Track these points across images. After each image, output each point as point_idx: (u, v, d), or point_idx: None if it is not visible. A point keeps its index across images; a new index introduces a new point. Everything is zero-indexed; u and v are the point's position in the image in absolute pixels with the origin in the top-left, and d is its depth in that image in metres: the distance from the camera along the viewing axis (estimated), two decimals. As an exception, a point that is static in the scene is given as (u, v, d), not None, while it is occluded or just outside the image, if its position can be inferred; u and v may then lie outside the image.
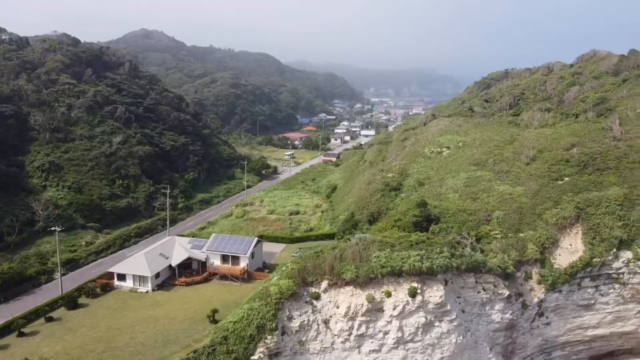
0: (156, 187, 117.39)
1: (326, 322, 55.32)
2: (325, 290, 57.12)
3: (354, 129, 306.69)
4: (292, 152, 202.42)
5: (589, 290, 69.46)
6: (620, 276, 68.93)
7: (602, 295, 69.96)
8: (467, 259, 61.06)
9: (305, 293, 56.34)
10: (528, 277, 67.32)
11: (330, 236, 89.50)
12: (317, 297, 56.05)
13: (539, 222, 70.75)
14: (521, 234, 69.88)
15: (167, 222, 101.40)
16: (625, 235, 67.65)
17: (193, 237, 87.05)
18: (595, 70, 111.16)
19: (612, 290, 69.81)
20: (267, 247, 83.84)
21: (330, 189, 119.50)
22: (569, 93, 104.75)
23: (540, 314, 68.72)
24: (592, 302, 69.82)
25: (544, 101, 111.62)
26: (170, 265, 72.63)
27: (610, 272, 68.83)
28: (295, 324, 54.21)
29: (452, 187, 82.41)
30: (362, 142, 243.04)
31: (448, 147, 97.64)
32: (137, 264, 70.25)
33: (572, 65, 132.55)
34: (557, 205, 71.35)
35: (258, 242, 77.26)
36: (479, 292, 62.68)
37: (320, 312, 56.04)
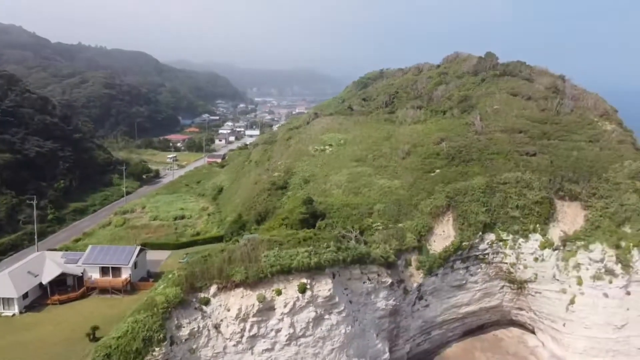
0: (20, 199, 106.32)
1: (217, 326, 54.37)
2: (215, 295, 56.06)
3: (238, 129, 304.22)
4: (174, 155, 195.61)
5: (461, 271, 75.99)
6: (486, 256, 76.26)
7: (471, 275, 76.91)
8: (353, 252, 63.70)
9: (194, 299, 54.83)
10: (408, 264, 71.88)
11: (218, 239, 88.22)
12: (207, 302, 54.86)
13: (415, 212, 75.70)
14: (400, 224, 74.25)
15: (35, 237, 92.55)
16: (488, 219, 74.91)
17: (67, 250, 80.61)
18: (458, 70, 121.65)
19: (479, 270, 77.04)
20: (152, 255, 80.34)
21: (217, 190, 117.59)
22: (437, 92, 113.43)
23: (420, 298, 73.82)
24: (464, 282, 76.48)
25: (415, 99, 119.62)
26: (40, 284, 66.54)
27: (478, 253, 75.85)
28: (184, 332, 52.57)
29: (336, 184, 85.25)
30: (247, 142, 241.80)
31: (331, 145, 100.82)
32: (1, 284, 63.40)
33: (438, 66, 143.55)
34: (430, 196, 76.87)
35: (141, 250, 73.74)
36: (364, 283, 65.71)
37: (210, 317, 54.92)
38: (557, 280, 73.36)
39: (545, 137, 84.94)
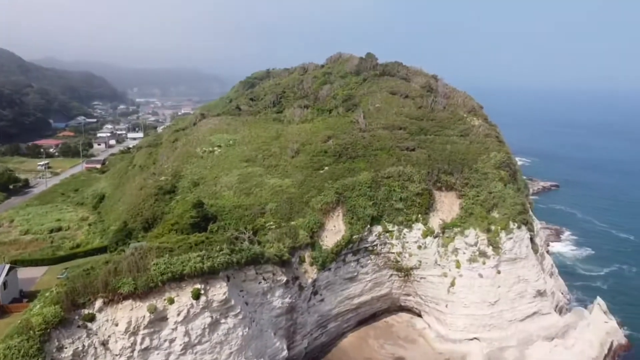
0: None
1: (105, 343, 51.10)
2: (100, 310, 52.57)
3: (119, 132, 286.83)
4: (47, 162, 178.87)
5: (352, 264, 78.98)
6: (375, 248, 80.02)
7: (362, 266, 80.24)
8: (247, 253, 63.33)
9: (76, 317, 50.94)
10: (302, 260, 73.18)
11: (101, 250, 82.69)
12: (92, 318, 51.29)
13: (307, 210, 77.18)
14: (293, 222, 75.28)
15: None
16: (375, 212, 78.65)
17: None
18: (341, 70, 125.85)
19: (369, 261, 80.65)
20: (24, 273, 73.17)
21: (97, 198, 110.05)
22: (322, 91, 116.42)
23: (315, 293, 75.54)
24: (355, 274, 79.59)
25: (302, 98, 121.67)
26: None
27: (367, 245, 79.32)
28: (67, 353, 48.69)
29: (226, 185, 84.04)
30: (130, 146, 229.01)
31: (219, 146, 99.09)
32: None
33: (323, 66, 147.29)
34: (320, 193, 78.79)
35: (11, 269, 66.77)
36: (259, 283, 65.71)
37: (97, 334, 51.45)
38: (439, 265, 79.25)
39: (422, 133, 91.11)
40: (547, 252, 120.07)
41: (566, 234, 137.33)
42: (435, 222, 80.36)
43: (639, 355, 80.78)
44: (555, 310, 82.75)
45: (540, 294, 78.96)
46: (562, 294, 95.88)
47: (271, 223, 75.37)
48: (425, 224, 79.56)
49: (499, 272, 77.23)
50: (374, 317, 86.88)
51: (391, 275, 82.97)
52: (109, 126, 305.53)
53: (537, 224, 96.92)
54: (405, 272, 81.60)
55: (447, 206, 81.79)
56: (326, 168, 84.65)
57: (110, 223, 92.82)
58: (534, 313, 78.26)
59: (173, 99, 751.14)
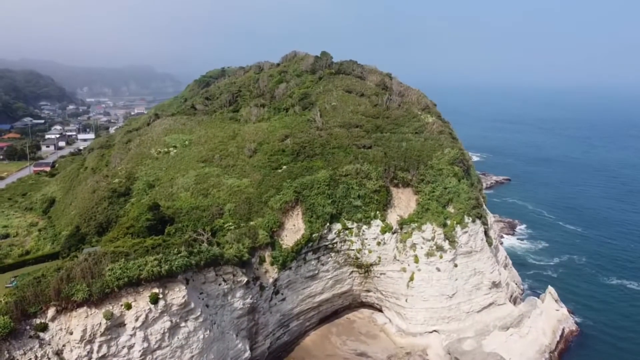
0: None
1: (59, 353, 49.26)
2: (53, 318, 50.65)
3: (69, 133, 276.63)
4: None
5: (313, 262, 79.18)
6: (335, 245, 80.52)
7: (323, 264, 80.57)
8: (206, 254, 62.49)
9: (27, 327, 48.89)
10: (262, 260, 72.83)
11: (53, 256, 79.71)
12: (44, 328, 49.36)
13: (266, 209, 76.83)
14: (252, 222, 74.80)
15: None
16: (334, 210, 79.10)
17: None
18: (297, 69, 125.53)
19: (330, 259, 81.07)
20: (-30, 283, 69.65)
21: (47, 203, 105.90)
22: (279, 90, 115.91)
23: (276, 292, 75.32)
24: (316, 272, 79.85)
25: (258, 97, 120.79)
26: None
27: (327, 243, 79.71)
28: (19, 365, 46.70)
29: (183, 186, 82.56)
30: (81, 147, 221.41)
31: (175, 147, 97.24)
32: None
33: (278, 65, 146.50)
34: (279, 192, 78.60)
35: (-45, 279, 63.49)
36: (220, 284, 65.01)
37: (50, 344, 49.53)
38: (398, 260, 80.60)
39: (378, 131, 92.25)
40: (501, 243, 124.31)
41: (519, 226, 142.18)
42: (393, 218, 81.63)
43: (587, 340, 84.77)
44: (510, 301, 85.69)
45: (496, 285, 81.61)
46: (516, 284, 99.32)
47: (230, 224, 74.60)
48: (383, 221, 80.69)
49: (455, 266, 79.27)
50: (335, 314, 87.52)
51: (352, 272, 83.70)
52: (58, 127, 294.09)
53: (491, 217, 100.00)
54: (366, 269, 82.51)
55: (404, 202, 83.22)
56: (284, 167, 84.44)
57: (62, 228, 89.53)
58: (490, 304, 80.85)
59: (125, 98, 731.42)
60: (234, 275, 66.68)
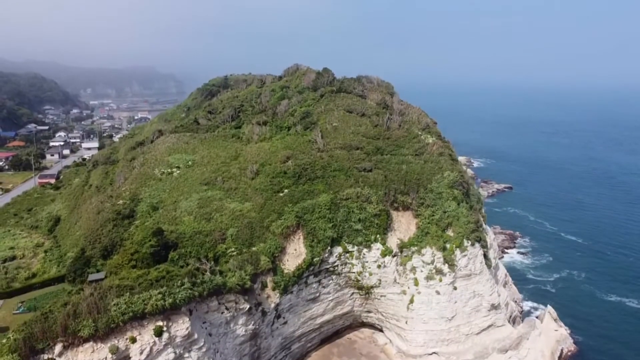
0: None
1: (66, 389, 50.73)
2: (60, 354, 52.09)
3: (73, 140, 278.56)
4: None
5: (314, 285, 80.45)
6: (336, 268, 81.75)
7: (324, 287, 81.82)
8: (209, 285, 63.92)
9: (36, 364, 50.43)
10: (264, 286, 74.11)
11: (59, 279, 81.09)
12: (52, 364, 50.82)
13: (267, 234, 78.05)
14: (254, 248, 76.01)
15: None
16: (335, 234, 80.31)
17: None
18: (299, 85, 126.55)
19: (331, 281, 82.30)
20: (-22, 309, 71.12)
21: (53, 221, 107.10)
22: (280, 106, 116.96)
23: (278, 316, 76.60)
24: (318, 294, 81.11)
25: (260, 113, 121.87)
26: None
27: (328, 266, 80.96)
28: (27, 402, 48.12)
29: (186, 210, 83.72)
30: (85, 156, 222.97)
31: (178, 167, 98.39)
32: None
33: (280, 78, 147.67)
34: (280, 217, 79.79)
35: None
36: (222, 313, 66.39)
37: (57, 380, 51.03)
38: (398, 283, 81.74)
39: (379, 153, 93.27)
40: (502, 258, 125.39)
41: (519, 239, 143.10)
42: (393, 241, 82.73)
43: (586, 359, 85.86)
44: (509, 321, 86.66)
45: (495, 307, 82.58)
46: (516, 301, 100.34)
47: (232, 249, 75.83)
48: (383, 244, 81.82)
49: (455, 288, 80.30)
50: (337, 334, 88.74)
51: (352, 293, 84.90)
52: (62, 134, 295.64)
53: (491, 236, 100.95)
54: (366, 291, 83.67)
55: (404, 225, 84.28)
56: (286, 191, 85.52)
57: (67, 249, 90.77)
58: (489, 326, 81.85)
59: (128, 100, 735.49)
60: (236, 303, 68.04)
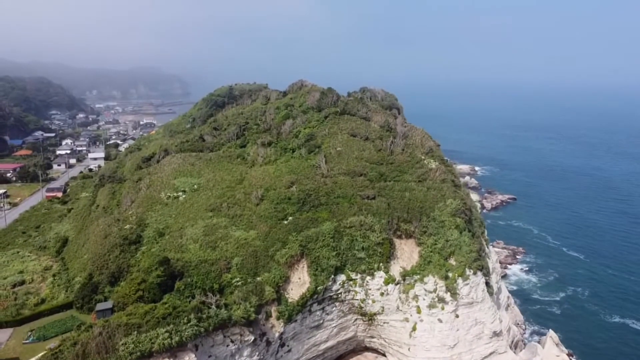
0: None
1: None
2: (70, 394, 53.61)
3: (79, 148, 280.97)
4: (4, 191, 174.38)
5: (318, 313, 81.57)
6: (339, 295, 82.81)
7: (327, 314, 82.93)
8: (214, 320, 65.19)
9: (46, 406, 51.84)
10: (268, 316, 75.26)
11: (67, 306, 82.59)
12: (62, 406, 52.24)
13: (272, 263, 79.23)
14: (259, 278, 77.19)
15: None
16: (339, 262, 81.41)
17: None
18: (303, 104, 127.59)
19: (334, 308, 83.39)
20: (-11, 338, 72.66)
21: (61, 242, 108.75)
22: (285, 126, 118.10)
23: (282, 345, 77.77)
24: (321, 321, 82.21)
25: (265, 132, 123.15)
26: None
27: (332, 294, 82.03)
28: None
29: (192, 237, 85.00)
30: (91, 166, 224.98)
31: (184, 191, 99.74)
32: None
33: (285, 94, 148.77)
34: (285, 246, 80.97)
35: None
36: (227, 346, 67.57)
37: (67, 421, 52.41)
38: (401, 310, 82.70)
39: (382, 179, 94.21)
40: (504, 274, 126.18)
41: (523, 255, 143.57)
42: (396, 269, 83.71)
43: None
44: (511, 347, 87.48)
45: (497, 334, 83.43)
46: (518, 324, 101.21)
47: (237, 279, 77.03)
48: (386, 272, 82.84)
49: (457, 316, 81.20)
50: (340, 358, 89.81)
51: (356, 319, 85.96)
52: (68, 141, 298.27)
53: (494, 258, 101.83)
54: (369, 317, 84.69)
55: (407, 254, 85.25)
56: (290, 218, 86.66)
57: (75, 273, 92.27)
58: (491, 353, 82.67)
59: (134, 102, 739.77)
60: (241, 335, 69.22)
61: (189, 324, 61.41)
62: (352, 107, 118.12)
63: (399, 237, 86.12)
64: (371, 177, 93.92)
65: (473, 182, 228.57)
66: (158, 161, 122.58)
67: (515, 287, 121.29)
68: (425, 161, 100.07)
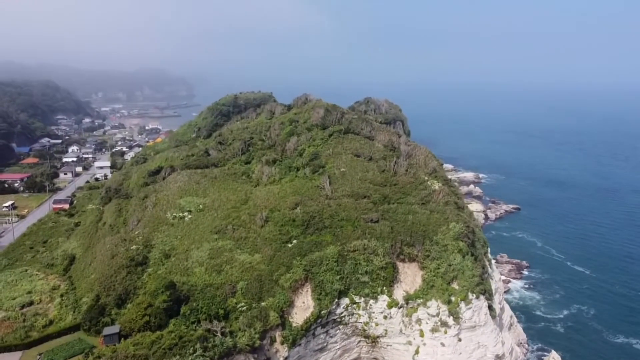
0: None
1: None
2: None
3: (85, 155, 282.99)
4: (12, 202, 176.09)
5: (322, 336, 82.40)
6: (343, 319, 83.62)
7: (331, 337, 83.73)
8: (220, 348, 66.31)
9: None
10: (273, 341, 76.26)
11: (75, 328, 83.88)
12: None
13: (276, 288, 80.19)
14: (263, 303, 78.18)
15: None
16: (342, 286, 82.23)
17: None
18: (308, 120, 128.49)
19: (338, 331, 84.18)
20: (-2, 362, 73.98)
21: (68, 260, 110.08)
22: (290, 143, 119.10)
23: (287, 369, 78.69)
24: (325, 344, 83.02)
25: (270, 149, 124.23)
26: None
27: (335, 317, 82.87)
28: None
29: (197, 260, 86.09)
30: (97, 175, 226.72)
31: (189, 211, 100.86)
32: None
33: (289, 108, 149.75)
34: (289, 270, 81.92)
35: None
36: (233, 373, 68.61)
37: None
38: (404, 334, 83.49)
39: (385, 202, 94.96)
40: (507, 289, 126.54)
41: (526, 269, 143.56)
42: (399, 293, 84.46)
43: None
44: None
45: (499, 357, 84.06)
46: (521, 343, 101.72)
47: (242, 304, 78.05)
48: (390, 296, 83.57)
49: (459, 340, 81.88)
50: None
51: (359, 341, 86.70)
52: (75, 148, 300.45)
53: (497, 277, 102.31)
54: (373, 339, 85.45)
55: (410, 277, 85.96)
56: (294, 241, 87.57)
57: (83, 293, 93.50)
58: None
59: (139, 104, 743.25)
60: (246, 362, 70.21)
61: (194, 354, 62.50)
62: (356, 126, 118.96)
63: (402, 260, 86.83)
64: (375, 200, 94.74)
65: (477, 190, 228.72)
66: (164, 178, 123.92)
67: (519, 303, 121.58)
68: (428, 182, 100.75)
